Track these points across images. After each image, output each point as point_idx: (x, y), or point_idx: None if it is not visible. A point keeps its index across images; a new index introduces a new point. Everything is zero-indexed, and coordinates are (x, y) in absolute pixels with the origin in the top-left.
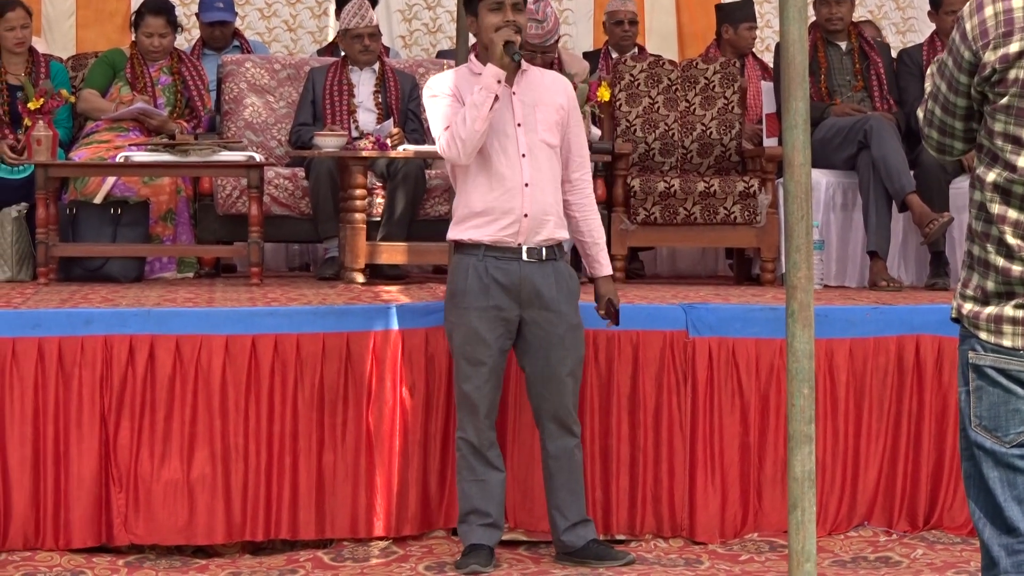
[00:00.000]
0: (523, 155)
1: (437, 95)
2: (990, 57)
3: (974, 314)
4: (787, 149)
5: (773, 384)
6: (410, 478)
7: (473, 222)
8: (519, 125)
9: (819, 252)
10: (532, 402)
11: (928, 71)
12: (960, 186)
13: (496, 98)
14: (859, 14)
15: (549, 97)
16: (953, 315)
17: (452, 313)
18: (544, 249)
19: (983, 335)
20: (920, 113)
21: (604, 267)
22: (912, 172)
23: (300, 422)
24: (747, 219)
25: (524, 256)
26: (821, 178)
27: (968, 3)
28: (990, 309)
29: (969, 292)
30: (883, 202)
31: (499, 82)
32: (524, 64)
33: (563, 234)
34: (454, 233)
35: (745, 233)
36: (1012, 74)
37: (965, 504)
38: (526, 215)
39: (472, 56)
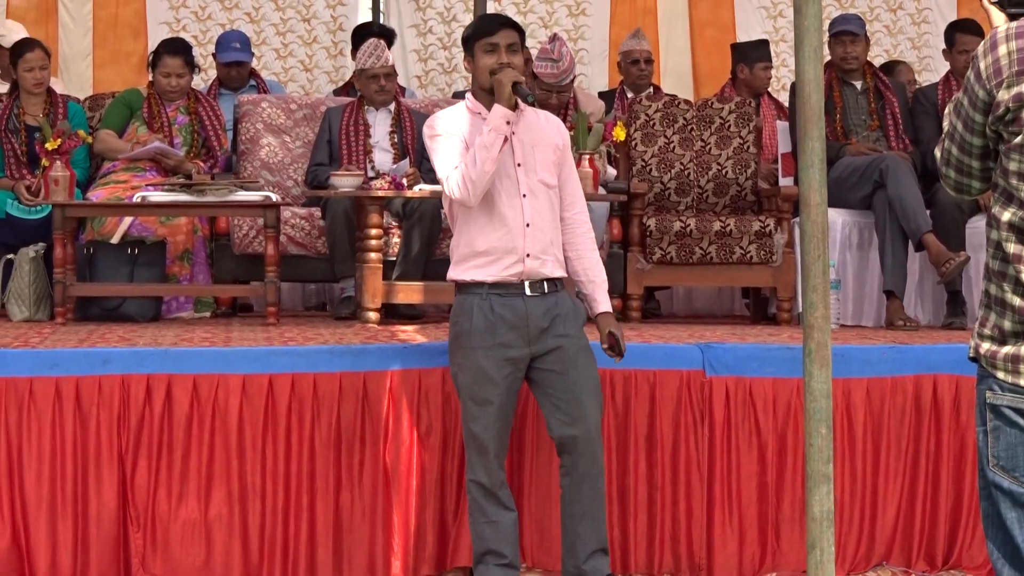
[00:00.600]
0: (523, 195)
1: (440, 134)
2: (1004, 96)
3: (991, 353)
4: (803, 188)
5: (790, 423)
6: (427, 518)
7: (475, 262)
8: (519, 165)
9: (835, 291)
10: (554, 431)
11: (946, 110)
12: (977, 225)
13: (505, 139)
14: (875, 53)
15: (546, 137)
16: (971, 354)
17: (458, 354)
18: (546, 283)
19: (1000, 375)
20: (937, 152)
21: (603, 304)
22: (928, 211)
23: (317, 461)
24: (763, 258)
25: (527, 291)
26: (837, 217)
27: (983, 43)
28: (1007, 349)
29: (987, 331)
30: (899, 241)
31: (508, 123)
32: (521, 105)
33: (561, 272)
34: (456, 273)
35: (761, 272)
36: None
37: (984, 544)
38: (528, 255)
39: (468, 95)
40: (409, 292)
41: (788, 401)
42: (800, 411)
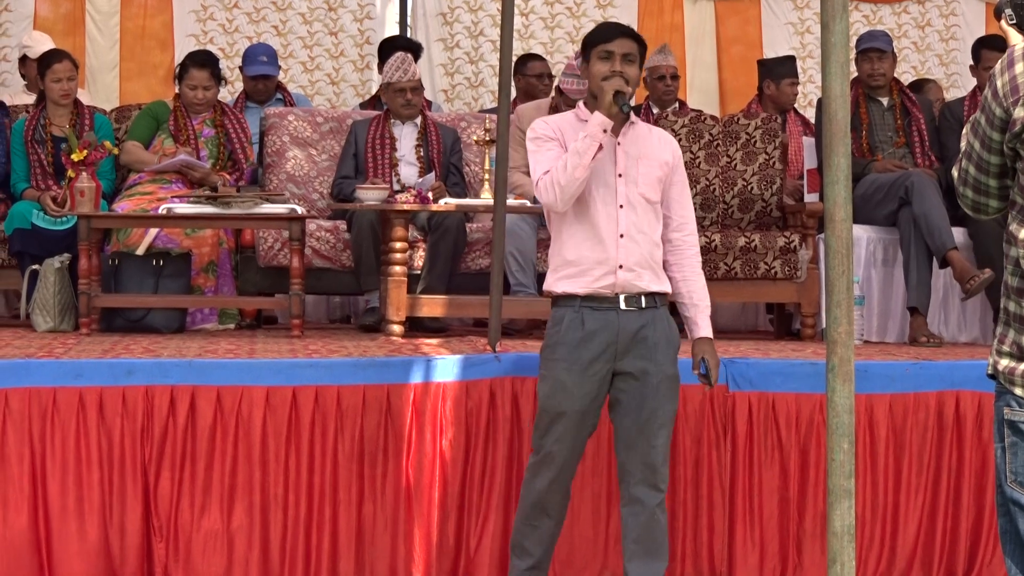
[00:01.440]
0: (621, 206)
1: (540, 137)
2: (1020, 113)
3: (1009, 370)
4: (828, 205)
5: (813, 438)
6: (448, 531)
7: (566, 271)
8: (620, 176)
9: (859, 307)
10: (619, 455)
11: (964, 130)
12: None
13: (600, 147)
14: (902, 69)
15: (654, 152)
16: (989, 371)
17: (544, 366)
18: (643, 297)
19: (1019, 391)
20: (955, 172)
21: (702, 329)
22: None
23: (340, 474)
24: (788, 274)
25: (622, 305)
26: (862, 234)
27: (1000, 61)
28: None
29: (1005, 348)
30: (924, 258)
31: (605, 131)
32: (632, 117)
33: (660, 287)
34: (549, 284)
35: (786, 288)
36: None
37: (1004, 561)
38: (621, 266)
39: (581, 103)
40: (433, 305)
41: (811, 416)
42: (822, 426)
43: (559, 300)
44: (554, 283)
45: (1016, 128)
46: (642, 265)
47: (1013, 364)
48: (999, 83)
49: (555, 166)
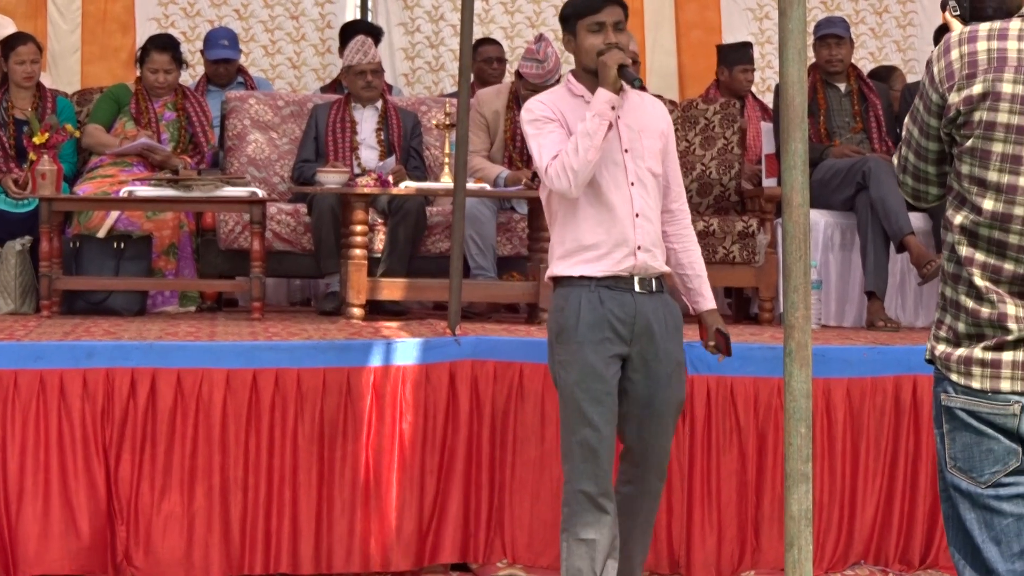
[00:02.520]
0: (632, 183)
1: (538, 119)
2: (954, 99)
3: (946, 356)
4: (786, 189)
5: (771, 423)
6: (409, 513)
7: (583, 256)
8: (626, 151)
9: (817, 292)
10: (627, 440)
11: (906, 119)
12: None
13: (610, 126)
14: (860, 55)
15: (652, 123)
16: (927, 356)
17: (560, 351)
18: (653, 280)
19: (954, 377)
20: (895, 159)
21: (709, 300)
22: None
23: (300, 456)
24: (746, 259)
25: (637, 287)
26: (820, 218)
27: (937, 48)
28: (960, 351)
29: (942, 334)
30: (881, 243)
31: (613, 108)
32: (625, 86)
33: (665, 266)
34: (562, 269)
35: (744, 272)
36: (976, 116)
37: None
38: (639, 247)
39: (570, 76)
40: (393, 289)
41: (769, 400)
42: (780, 410)
43: (570, 281)
44: (569, 267)
45: (951, 114)
46: (655, 244)
47: (949, 350)
48: (935, 69)
49: (564, 150)
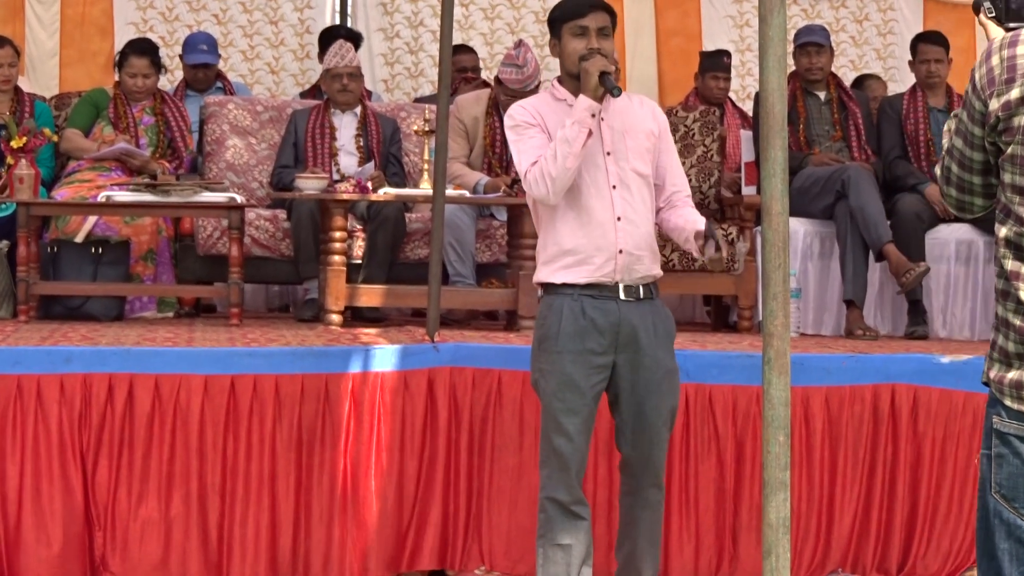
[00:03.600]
0: (614, 187)
1: (519, 124)
2: (994, 105)
3: (999, 379)
4: (765, 198)
5: (749, 431)
6: (386, 520)
7: (563, 261)
8: (608, 154)
9: (796, 300)
10: (622, 450)
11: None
12: (936, 236)
13: (590, 133)
14: (840, 64)
15: (639, 123)
16: (983, 378)
17: (542, 359)
18: (641, 287)
19: (1007, 401)
20: (937, 170)
21: (699, 222)
22: (889, 221)
23: (278, 462)
24: (725, 267)
25: (621, 295)
26: (799, 227)
27: (981, 53)
28: (1013, 374)
29: (995, 355)
30: (860, 251)
31: (593, 116)
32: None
33: (658, 270)
34: (544, 275)
35: (723, 281)
36: (1015, 121)
37: (938, 553)
38: (620, 251)
39: (555, 81)
40: (372, 295)
41: (747, 408)
42: (759, 418)
43: (554, 289)
44: (551, 273)
45: (991, 120)
46: (641, 248)
47: (1002, 372)
48: (977, 76)
49: (543, 156)
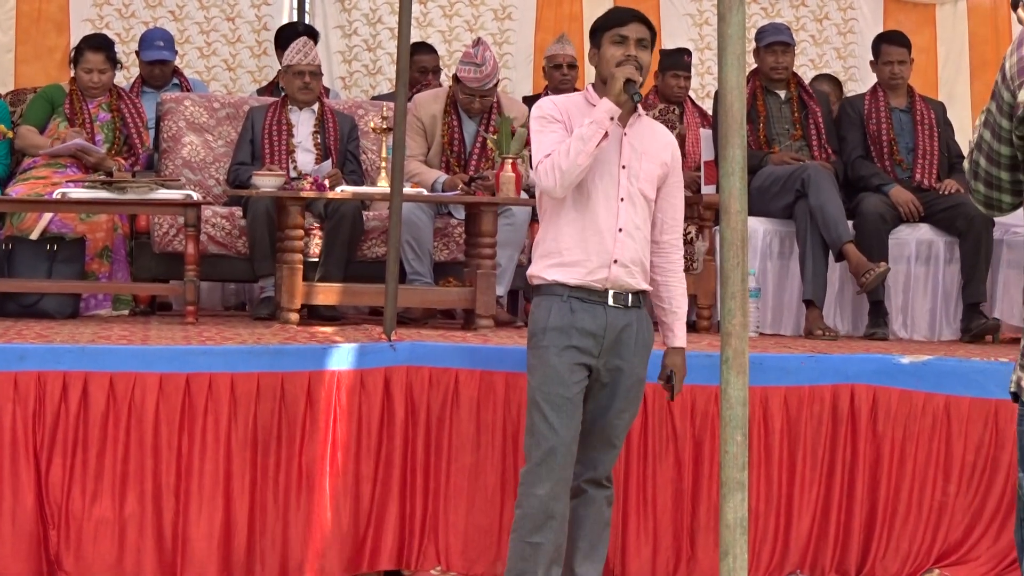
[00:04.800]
0: (622, 199)
1: (544, 117)
2: (1022, 97)
3: None
4: (724, 196)
5: (707, 430)
6: (342, 520)
7: (558, 259)
8: (623, 167)
9: (755, 300)
10: (579, 448)
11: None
12: (898, 236)
13: (606, 135)
14: (800, 63)
15: (656, 150)
16: (1012, 388)
17: (532, 354)
18: (630, 296)
19: None
20: (966, 165)
21: (678, 339)
22: (851, 221)
23: (233, 461)
24: (684, 266)
25: (610, 301)
26: (758, 226)
27: (1012, 44)
28: None
29: (1021, 360)
30: (820, 251)
31: (612, 119)
32: (639, 110)
33: (647, 285)
34: (537, 271)
35: None
36: None
37: (897, 555)
38: (615, 261)
39: (590, 86)
40: (329, 293)
41: (706, 408)
42: (717, 418)
43: (545, 288)
44: (543, 270)
45: (1020, 112)
46: (635, 262)
47: None
48: (1007, 65)
49: (557, 149)
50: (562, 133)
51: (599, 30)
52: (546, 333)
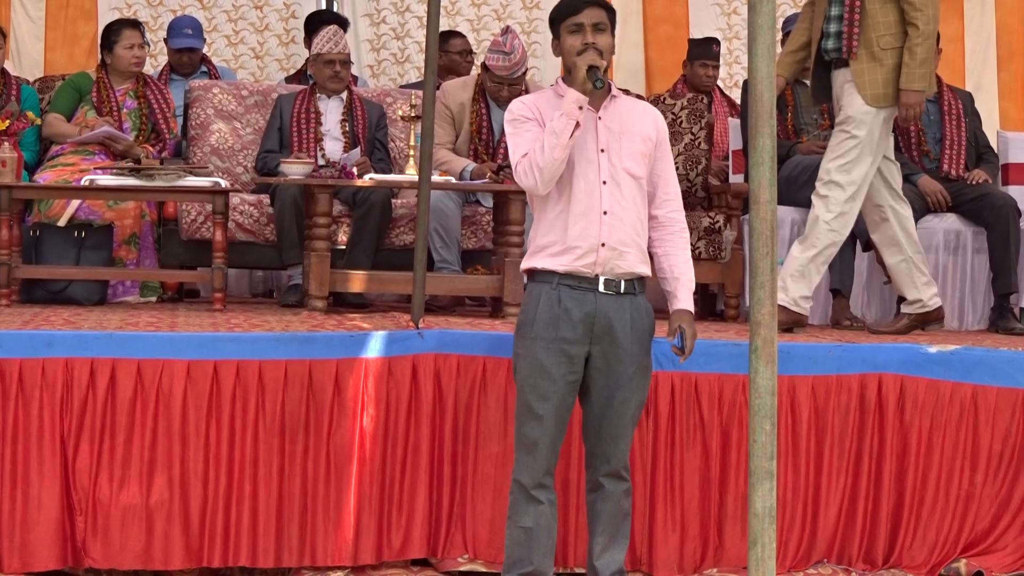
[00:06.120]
0: (604, 182)
1: (517, 119)
2: None
3: None
4: (753, 186)
5: (735, 420)
6: (370, 508)
7: (547, 250)
8: (602, 151)
9: None
10: (587, 442)
11: None
12: (926, 226)
13: (577, 125)
14: None
15: (637, 127)
16: None
17: (519, 344)
18: (623, 282)
19: None
20: None
21: (682, 301)
22: None
23: (260, 449)
24: (712, 255)
25: (600, 287)
26: (786, 215)
27: None
28: None
29: None
30: (847, 241)
31: (581, 108)
32: (614, 90)
33: (644, 269)
34: (528, 262)
35: (710, 269)
36: None
37: (924, 544)
38: (603, 244)
39: (559, 79)
40: (357, 281)
41: (733, 397)
42: (745, 407)
43: (535, 276)
44: (533, 260)
45: None
46: (626, 244)
47: None
48: None
49: (532, 148)
50: (537, 131)
51: (555, 21)
52: (534, 324)
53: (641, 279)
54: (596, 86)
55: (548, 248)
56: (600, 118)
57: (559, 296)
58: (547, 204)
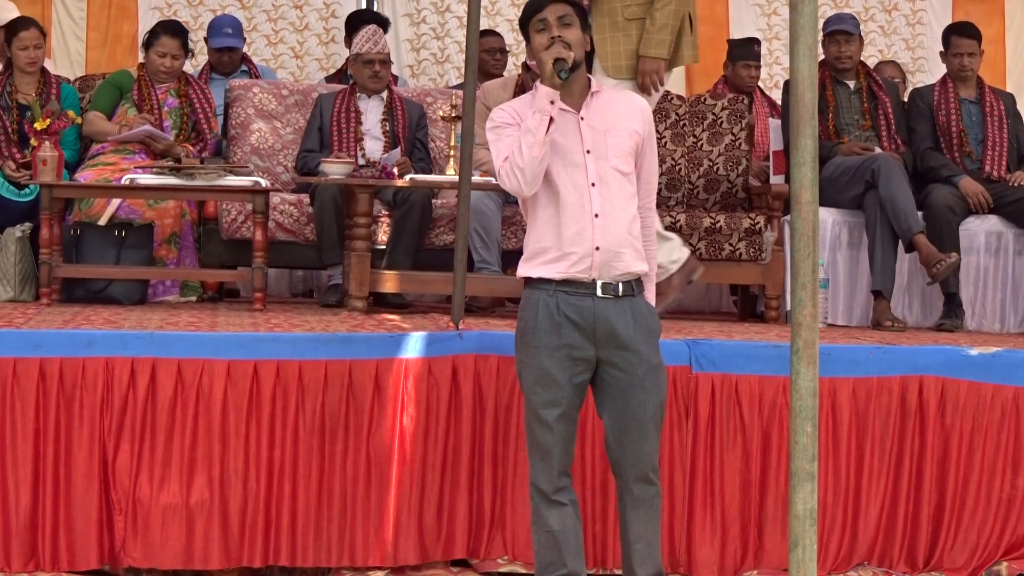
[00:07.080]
0: (592, 184)
1: (498, 126)
2: None
3: None
4: (795, 186)
5: (776, 421)
6: (409, 508)
7: (542, 257)
8: (588, 152)
9: (824, 290)
10: (609, 452)
11: None
12: (968, 228)
13: (552, 120)
14: (869, 53)
15: (622, 122)
16: None
17: (522, 352)
18: (620, 284)
19: None
20: None
21: (647, 294)
22: (921, 212)
23: (300, 449)
24: (752, 256)
25: (598, 292)
26: (828, 216)
27: None
28: None
29: None
30: (889, 242)
31: (552, 102)
32: (595, 85)
33: (641, 267)
34: (524, 270)
35: (750, 270)
36: None
37: (966, 547)
38: (597, 248)
39: (536, 82)
40: (397, 281)
41: (774, 399)
42: (786, 409)
43: (533, 283)
44: (529, 268)
45: None
46: (621, 244)
47: None
48: None
49: (512, 150)
50: (516, 135)
51: (523, 24)
52: (536, 332)
53: (639, 279)
54: (561, 76)
55: (543, 255)
56: (583, 118)
57: (557, 303)
58: (538, 209)
